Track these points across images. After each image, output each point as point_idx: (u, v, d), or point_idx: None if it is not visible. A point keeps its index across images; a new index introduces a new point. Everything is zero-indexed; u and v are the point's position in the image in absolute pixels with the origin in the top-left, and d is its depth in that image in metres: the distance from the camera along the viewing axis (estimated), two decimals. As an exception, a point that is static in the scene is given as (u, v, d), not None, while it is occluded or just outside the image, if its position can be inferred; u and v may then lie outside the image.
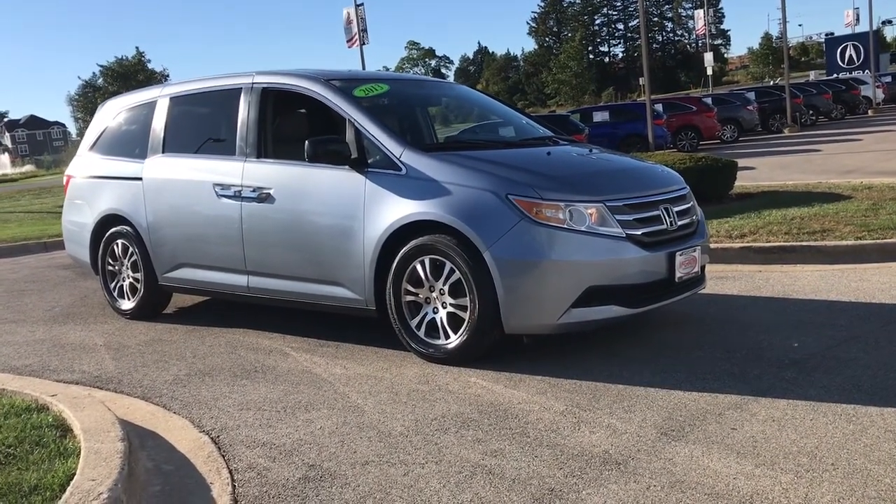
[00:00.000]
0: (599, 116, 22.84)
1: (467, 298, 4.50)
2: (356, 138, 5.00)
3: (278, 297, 5.48)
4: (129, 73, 20.35)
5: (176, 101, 6.34)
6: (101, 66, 21.35)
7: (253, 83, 5.72)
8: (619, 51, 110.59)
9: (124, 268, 6.52)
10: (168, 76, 21.31)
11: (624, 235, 4.51)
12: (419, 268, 4.69)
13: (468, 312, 4.51)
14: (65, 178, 7.23)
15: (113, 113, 6.93)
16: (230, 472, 3.31)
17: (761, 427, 3.47)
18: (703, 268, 5.19)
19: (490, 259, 4.39)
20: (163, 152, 6.22)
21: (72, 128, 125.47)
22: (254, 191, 5.42)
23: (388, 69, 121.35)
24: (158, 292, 6.37)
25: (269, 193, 5.35)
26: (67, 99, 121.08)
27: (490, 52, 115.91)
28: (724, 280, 6.71)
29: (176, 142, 6.20)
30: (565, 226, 4.39)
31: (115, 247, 6.56)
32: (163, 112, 6.34)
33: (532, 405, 3.90)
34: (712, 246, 7.53)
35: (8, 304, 7.70)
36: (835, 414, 3.56)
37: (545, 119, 23.20)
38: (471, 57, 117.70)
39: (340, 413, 3.95)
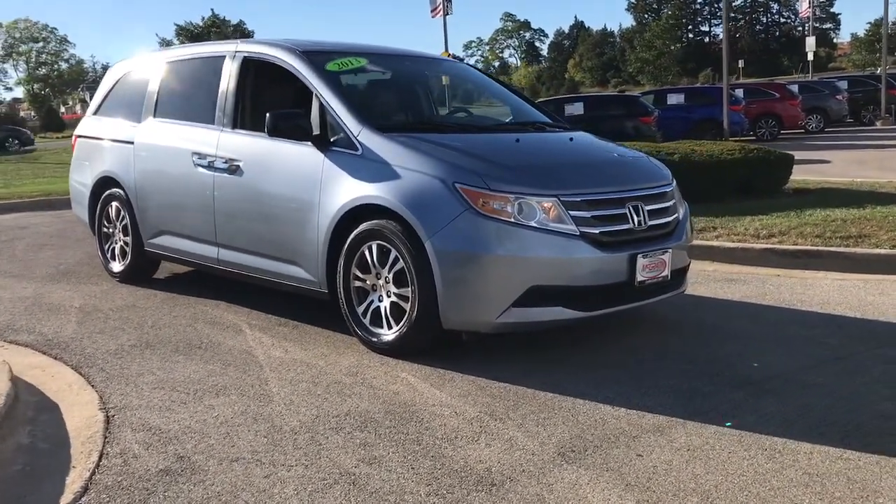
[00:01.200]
0: (674, 99, 22.01)
1: (409, 289, 4.28)
2: (320, 114, 4.82)
3: (244, 273, 5.36)
4: (202, 34, 20.48)
5: (170, 66, 6.27)
6: (177, 25, 21.84)
7: (236, 51, 5.59)
8: (719, 31, 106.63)
9: (117, 231, 6.53)
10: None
11: (577, 233, 4.19)
12: (367, 253, 4.49)
13: (409, 303, 4.29)
14: (73, 138, 7.29)
15: (118, 75, 6.92)
16: (100, 456, 3.20)
17: (670, 456, 3.15)
18: (681, 271, 4.82)
19: (430, 249, 4.15)
20: (154, 116, 6.17)
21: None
22: (225, 162, 5.30)
23: (481, 40, 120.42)
24: (145, 258, 6.35)
25: (238, 165, 5.22)
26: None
27: (586, 26, 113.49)
28: (732, 283, 6.28)
29: (165, 107, 6.14)
30: (511, 219, 4.10)
31: (109, 209, 6.57)
32: (158, 76, 6.29)
33: (445, 409, 3.67)
34: (732, 245, 7.13)
35: (22, 258, 7.86)
36: (759, 448, 3.21)
37: (613, 99, 22.54)
38: (566, 31, 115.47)
39: (247, 401, 3.80)
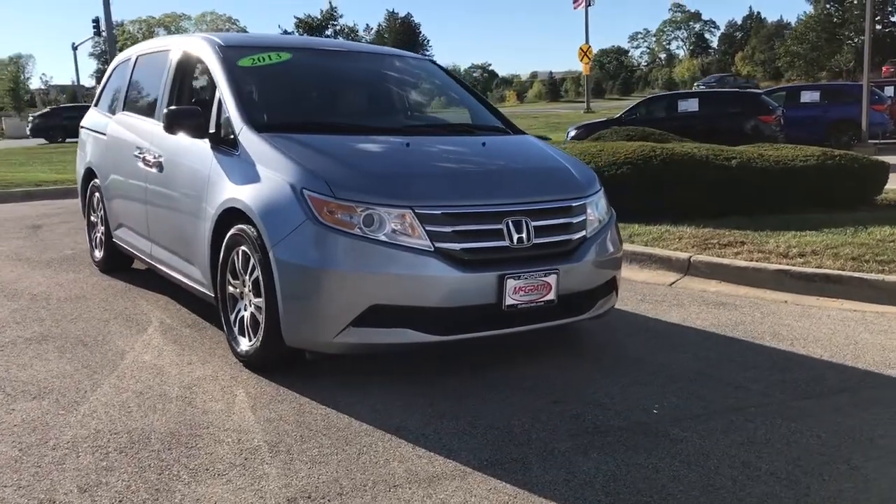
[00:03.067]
0: (808, 97, 20.20)
1: (262, 299, 4.01)
2: (218, 111, 4.64)
3: (164, 269, 5.28)
4: (318, 27, 20.85)
5: (139, 59, 6.29)
6: (297, 18, 22.06)
7: (178, 45, 5.51)
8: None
9: (99, 221, 6.65)
10: (357, 32, 21.51)
11: (431, 249, 3.77)
12: (235, 259, 4.26)
13: (263, 315, 4.03)
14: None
15: (112, 67, 7.04)
16: None
17: (405, 517, 2.73)
18: (589, 293, 4.27)
19: (273, 259, 3.86)
20: (123, 109, 6.21)
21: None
22: (154, 157, 5.23)
23: (647, 31, 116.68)
24: (115, 248, 6.41)
25: (160, 161, 5.13)
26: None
27: (762, 17, 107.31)
28: (716, 308, 5.57)
29: (131, 100, 6.17)
30: (356, 231, 3.73)
31: (93, 199, 6.70)
32: (129, 69, 6.33)
33: (233, 435, 3.36)
34: (744, 264, 6.34)
35: (45, 242, 8.23)
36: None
37: (731, 95, 20.93)
38: (738, 22, 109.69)
39: (54, 408, 3.65)
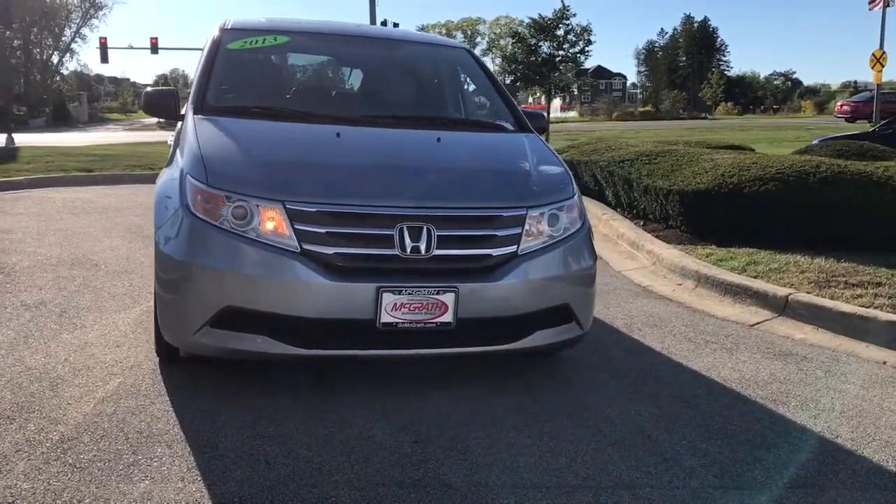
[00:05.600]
0: None
1: None
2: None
3: None
4: (548, 27, 20.05)
5: None
6: (530, 18, 20.44)
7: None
8: None
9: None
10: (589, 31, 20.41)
11: (297, 250, 3.35)
12: None
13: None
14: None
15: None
16: None
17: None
18: (507, 321, 3.58)
19: (154, 247, 3.68)
20: None
21: (633, 79, 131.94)
22: (170, 140, 5.31)
23: None
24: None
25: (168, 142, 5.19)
26: (634, 53, 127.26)
27: None
28: (770, 359, 4.53)
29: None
30: (220, 223, 3.40)
31: None
32: None
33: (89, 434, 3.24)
34: (848, 309, 5.12)
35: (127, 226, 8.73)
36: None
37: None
38: None
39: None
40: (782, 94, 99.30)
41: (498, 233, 3.56)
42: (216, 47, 4.67)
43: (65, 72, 70.80)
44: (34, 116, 49.30)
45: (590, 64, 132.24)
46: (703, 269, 6.17)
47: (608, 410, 3.65)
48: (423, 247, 3.41)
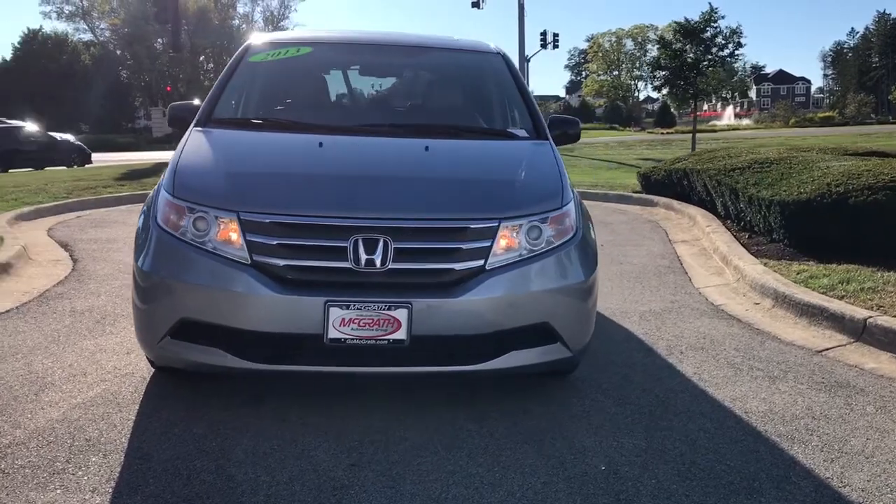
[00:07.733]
0: None
1: None
2: None
3: None
4: (694, 30, 18.68)
5: None
6: (676, 22, 19.09)
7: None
8: None
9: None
10: (740, 34, 18.81)
11: (248, 261, 3.28)
12: None
13: None
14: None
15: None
16: None
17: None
18: (476, 339, 3.34)
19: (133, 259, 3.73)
20: None
21: (819, 83, 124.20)
22: None
23: None
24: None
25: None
26: (820, 55, 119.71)
27: None
28: (820, 392, 4.00)
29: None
30: (180, 234, 3.39)
31: None
32: None
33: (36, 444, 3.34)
34: (837, 308, 4.42)
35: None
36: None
37: None
38: None
39: None
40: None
41: (463, 246, 3.34)
42: (238, 60, 4.72)
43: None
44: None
45: (770, 68, 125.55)
46: (780, 288, 5.58)
47: (586, 441, 3.33)
48: (378, 260, 3.25)
